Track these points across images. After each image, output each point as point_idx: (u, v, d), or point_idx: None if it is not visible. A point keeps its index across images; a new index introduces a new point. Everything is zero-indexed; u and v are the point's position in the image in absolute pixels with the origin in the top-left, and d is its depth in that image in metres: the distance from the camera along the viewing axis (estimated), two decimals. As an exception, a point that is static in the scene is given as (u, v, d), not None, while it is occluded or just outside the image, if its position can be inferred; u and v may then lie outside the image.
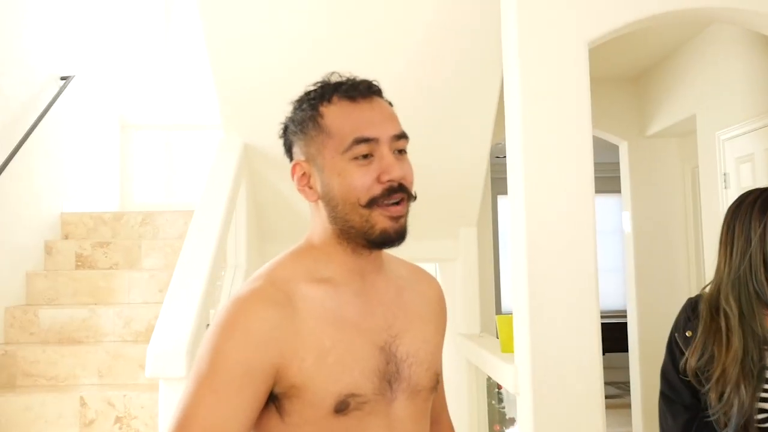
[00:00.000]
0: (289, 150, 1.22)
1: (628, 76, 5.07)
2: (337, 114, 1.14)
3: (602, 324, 6.37)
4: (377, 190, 1.11)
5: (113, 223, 4.68)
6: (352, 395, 1.08)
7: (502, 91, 3.66)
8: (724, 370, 1.53)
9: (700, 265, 4.89)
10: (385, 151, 1.13)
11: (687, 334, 1.64)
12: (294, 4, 3.45)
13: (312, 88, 1.20)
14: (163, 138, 6.08)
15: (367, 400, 1.09)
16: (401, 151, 1.16)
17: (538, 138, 2.90)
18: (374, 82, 1.19)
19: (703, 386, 1.56)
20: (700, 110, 4.27)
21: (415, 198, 1.16)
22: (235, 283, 3.76)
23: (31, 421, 3.34)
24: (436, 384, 1.24)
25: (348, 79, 1.18)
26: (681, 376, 1.66)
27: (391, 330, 1.17)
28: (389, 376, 1.13)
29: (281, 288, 1.11)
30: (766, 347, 1.54)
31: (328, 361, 1.08)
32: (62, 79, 4.62)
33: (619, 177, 5.30)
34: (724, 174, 4.01)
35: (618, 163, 5.32)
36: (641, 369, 5.04)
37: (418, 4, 3.45)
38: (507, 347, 3.41)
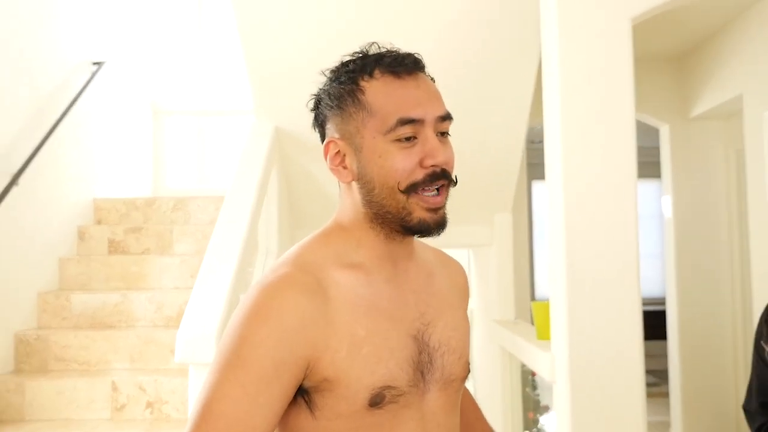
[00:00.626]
0: (321, 125, 1.14)
1: (671, 55, 4.94)
2: (380, 90, 1.06)
3: (643, 311, 6.26)
4: (419, 175, 1.04)
5: (145, 209, 4.72)
6: (388, 387, 1.02)
7: (539, 73, 3.58)
8: None
9: (744, 251, 4.76)
10: (429, 134, 1.05)
11: None
12: (325, -17, 3.42)
13: (350, 58, 1.11)
14: (196, 124, 6.09)
15: (402, 393, 1.04)
16: (444, 133, 1.08)
17: (578, 120, 2.82)
18: (418, 56, 1.11)
19: None
20: (747, 90, 4.14)
21: (456, 183, 1.08)
22: (266, 269, 3.77)
23: (64, 405, 3.38)
24: (468, 373, 1.18)
25: (390, 52, 1.10)
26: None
27: (423, 318, 1.11)
28: (422, 367, 1.08)
29: (312, 273, 1.04)
30: None
31: (363, 352, 1.02)
32: (94, 64, 4.64)
33: (657, 162, 5.21)
34: (773, 157, 3.89)
35: (656, 148, 5.23)
36: (680, 357, 4.97)
37: (452, -18, 3.39)
38: (543, 334, 3.36)
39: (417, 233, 1.07)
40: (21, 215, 3.78)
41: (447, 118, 1.07)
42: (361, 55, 1.10)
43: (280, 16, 3.50)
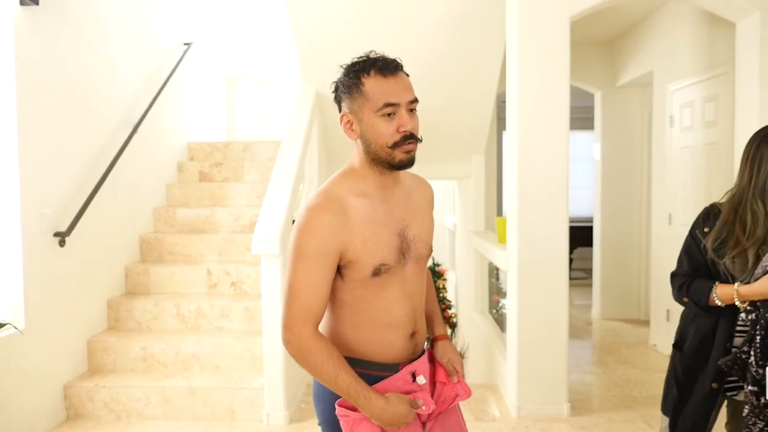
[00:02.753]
0: (338, 102, 1.30)
1: (604, 40, 4.95)
2: (373, 83, 1.23)
3: (577, 227, 6.44)
4: (397, 137, 1.24)
5: (223, 150, 4.80)
6: (383, 264, 1.27)
7: (504, 55, 3.66)
8: (744, 250, 1.56)
9: (648, 185, 4.89)
10: (403, 112, 1.24)
11: (705, 230, 1.65)
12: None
13: (356, 60, 1.27)
14: (257, 88, 6.10)
15: (391, 267, 1.29)
16: (412, 110, 1.27)
17: (529, 89, 2.94)
18: (398, 60, 1.27)
19: (721, 258, 1.59)
20: (656, 67, 4.18)
21: (421, 140, 1.28)
22: (311, 192, 3.93)
23: (175, 283, 3.64)
24: (431, 253, 1.42)
25: (381, 58, 1.25)
26: (698, 256, 1.66)
27: (403, 222, 1.33)
28: (403, 250, 1.32)
29: (337, 201, 1.25)
30: None
31: (368, 245, 1.25)
32: (185, 44, 4.67)
33: (593, 117, 5.27)
34: (671, 116, 3.97)
35: (593, 107, 5.28)
36: (601, 259, 5.15)
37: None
38: (502, 240, 3.55)
39: (397, 168, 1.28)
40: (138, 154, 3.89)
41: (414, 101, 1.27)
42: (363, 58, 1.27)
43: (321, 6, 3.56)
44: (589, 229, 5.86)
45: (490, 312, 4.74)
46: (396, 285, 1.31)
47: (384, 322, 1.30)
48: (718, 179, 3.42)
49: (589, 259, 6.08)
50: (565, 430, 2.85)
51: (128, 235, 3.75)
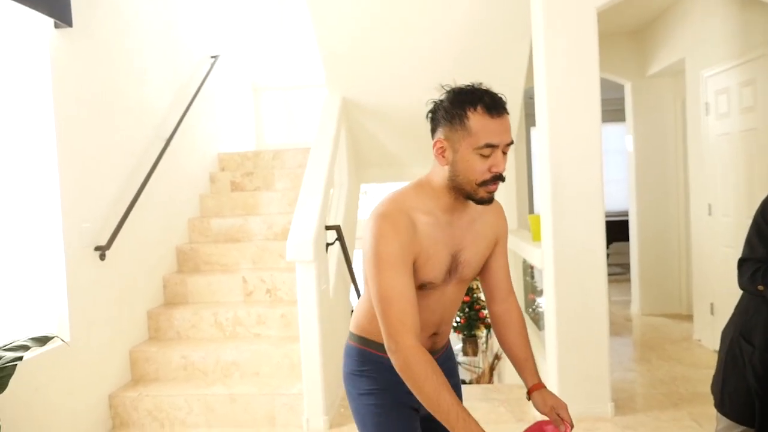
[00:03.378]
0: (434, 124, 1.27)
1: (633, 29, 4.86)
2: (478, 121, 1.21)
3: (611, 221, 6.33)
4: (487, 176, 1.24)
5: (254, 159, 4.85)
6: (430, 282, 1.31)
7: (531, 50, 3.61)
8: None
9: (685, 176, 4.78)
10: (499, 153, 1.23)
11: None
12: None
13: (464, 88, 1.24)
14: (284, 96, 6.17)
15: (436, 285, 1.32)
16: (505, 152, 1.26)
17: (558, 84, 2.89)
18: (504, 99, 1.24)
19: None
20: (688, 54, 4.08)
21: (504, 180, 1.27)
22: (341, 197, 3.94)
23: (212, 292, 3.69)
24: (475, 276, 1.41)
25: (488, 92, 1.23)
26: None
27: (459, 246, 1.34)
28: (451, 271, 1.34)
29: (407, 213, 1.27)
30: None
31: (428, 263, 1.28)
32: (212, 57, 4.73)
33: (623, 109, 5.18)
34: (706, 104, 3.87)
35: (623, 99, 5.19)
36: (639, 253, 5.05)
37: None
38: (536, 237, 3.50)
39: (476, 203, 1.28)
40: (171, 166, 3.95)
41: (510, 143, 1.25)
42: (470, 88, 1.24)
43: (346, 16, 3.58)
44: (624, 224, 5.76)
45: (527, 311, 4.68)
46: (434, 298, 1.34)
47: None
48: (761, 165, 3.31)
49: (626, 253, 5.98)
50: (611, 430, 2.78)
51: (165, 247, 3.82)
